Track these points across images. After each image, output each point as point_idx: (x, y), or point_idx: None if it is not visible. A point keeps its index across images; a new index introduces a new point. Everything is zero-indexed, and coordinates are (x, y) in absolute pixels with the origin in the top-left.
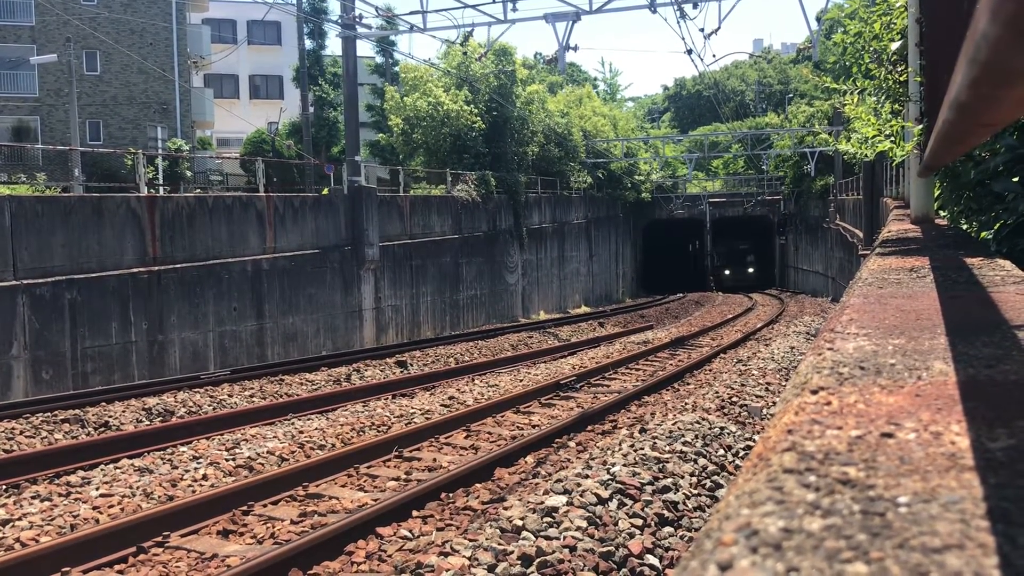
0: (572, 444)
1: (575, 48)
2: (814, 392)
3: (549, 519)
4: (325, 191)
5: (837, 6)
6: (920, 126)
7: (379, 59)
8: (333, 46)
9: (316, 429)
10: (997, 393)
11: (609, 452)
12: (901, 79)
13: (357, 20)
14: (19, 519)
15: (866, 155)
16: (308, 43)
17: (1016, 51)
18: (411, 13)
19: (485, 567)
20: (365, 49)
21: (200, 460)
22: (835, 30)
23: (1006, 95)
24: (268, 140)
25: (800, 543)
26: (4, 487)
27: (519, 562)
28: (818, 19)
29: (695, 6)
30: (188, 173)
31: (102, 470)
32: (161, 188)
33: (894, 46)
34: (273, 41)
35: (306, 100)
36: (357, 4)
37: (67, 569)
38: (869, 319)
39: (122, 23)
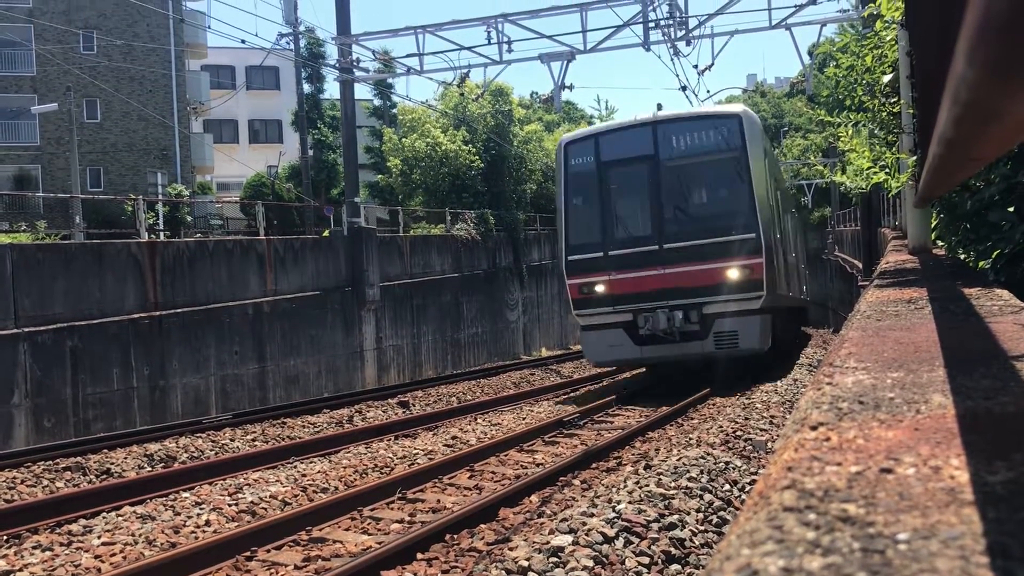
0: (577, 482)
1: (571, 87)
2: (813, 428)
3: (555, 559)
4: (325, 233)
5: (828, 40)
6: (914, 158)
7: (377, 101)
8: (331, 90)
9: (319, 472)
10: (996, 426)
11: (614, 489)
12: (894, 111)
13: (355, 64)
14: (20, 570)
15: (861, 187)
16: (306, 87)
17: (994, 93)
18: (408, 56)
19: None
20: (363, 92)
21: (203, 506)
22: (827, 64)
23: (990, 132)
24: (268, 184)
25: None
26: (5, 537)
27: None
28: (810, 53)
29: (688, 43)
30: (188, 218)
31: (104, 518)
32: (161, 233)
33: (886, 78)
34: (272, 86)
35: (305, 144)
36: (355, 48)
37: None
38: (868, 352)
39: (122, 71)
